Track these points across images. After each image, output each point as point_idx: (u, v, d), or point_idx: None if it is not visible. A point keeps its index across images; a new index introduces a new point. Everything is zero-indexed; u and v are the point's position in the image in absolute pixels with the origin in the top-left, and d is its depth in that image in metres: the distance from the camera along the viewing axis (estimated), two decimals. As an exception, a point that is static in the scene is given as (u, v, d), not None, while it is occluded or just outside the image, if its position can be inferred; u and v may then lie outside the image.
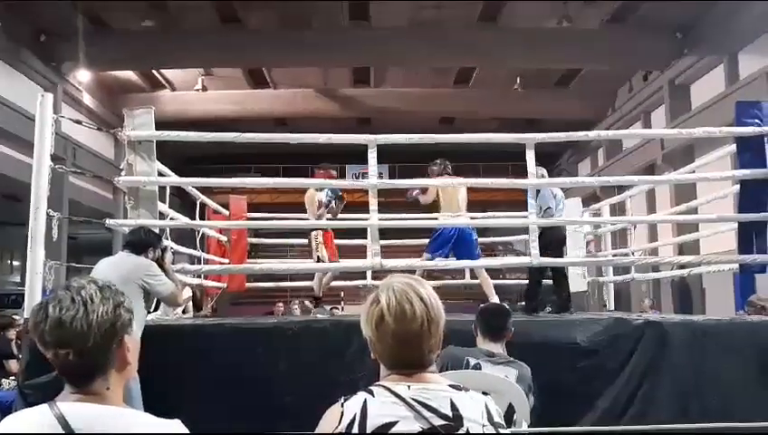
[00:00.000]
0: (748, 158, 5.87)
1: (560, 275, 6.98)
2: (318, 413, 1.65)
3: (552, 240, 6.46)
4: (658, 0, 14.68)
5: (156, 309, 5.03)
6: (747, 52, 15.14)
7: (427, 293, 1.65)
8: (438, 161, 6.67)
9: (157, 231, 4.96)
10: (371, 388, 1.61)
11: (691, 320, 5.71)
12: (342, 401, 1.60)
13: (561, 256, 6.87)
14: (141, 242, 4.50)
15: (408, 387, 1.58)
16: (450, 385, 1.62)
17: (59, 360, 1.40)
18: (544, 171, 6.70)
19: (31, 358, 4.28)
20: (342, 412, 1.57)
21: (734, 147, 6.23)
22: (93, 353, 1.41)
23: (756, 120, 5.82)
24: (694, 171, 8.71)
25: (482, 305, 3.86)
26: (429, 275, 11.58)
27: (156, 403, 3.69)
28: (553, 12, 16.33)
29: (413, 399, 1.56)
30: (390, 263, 5.89)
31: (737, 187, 6.28)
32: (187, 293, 8.19)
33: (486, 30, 17.43)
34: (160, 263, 4.53)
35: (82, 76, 18.42)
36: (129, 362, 1.49)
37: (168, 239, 6.42)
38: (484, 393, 2.86)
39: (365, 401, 1.57)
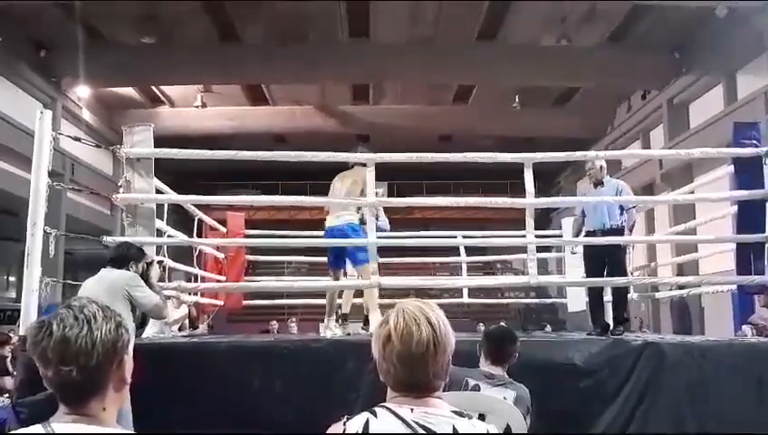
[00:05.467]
0: (746, 178, 5.87)
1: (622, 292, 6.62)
2: (314, 433, 1.64)
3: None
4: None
5: (142, 325, 5.02)
6: (745, 72, 15.22)
7: (437, 317, 1.65)
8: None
9: (139, 246, 4.95)
10: (375, 409, 1.61)
11: (689, 341, 5.69)
12: (345, 419, 1.61)
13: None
14: (122, 257, 4.55)
15: (412, 410, 1.58)
16: (453, 411, 1.61)
17: (60, 378, 1.38)
18: (603, 162, 6.49)
19: (25, 376, 4.25)
20: (345, 431, 1.58)
21: (732, 167, 6.24)
22: (95, 372, 1.39)
23: (754, 141, 5.84)
24: (693, 191, 8.72)
25: (489, 329, 3.83)
26: (427, 293, 11.59)
27: (150, 422, 3.68)
28: (552, 30, 16.44)
29: (415, 422, 1.55)
30: (388, 281, 5.88)
31: (735, 207, 6.28)
32: (184, 310, 8.16)
33: (485, 48, 17.53)
34: (144, 277, 4.55)
35: (82, 92, 18.48)
36: (127, 382, 1.48)
37: (165, 256, 6.41)
38: (482, 416, 2.87)
39: (367, 421, 1.57)
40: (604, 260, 6.25)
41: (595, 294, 6.61)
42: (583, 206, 6.71)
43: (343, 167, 6.24)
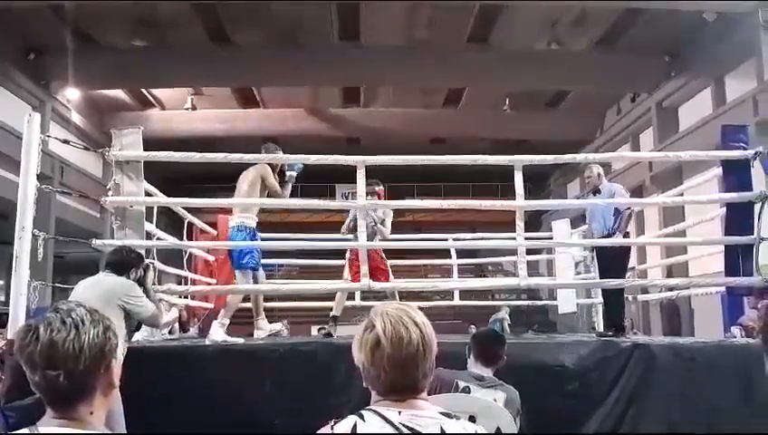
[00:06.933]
0: (734, 181, 5.90)
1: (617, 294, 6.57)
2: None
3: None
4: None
5: (137, 329, 4.97)
6: (734, 75, 15.32)
7: (421, 318, 1.65)
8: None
9: (140, 251, 4.90)
10: (362, 412, 1.60)
11: (678, 342, 5.72)
12: (332, 423, 1.60)
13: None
14: (122, 262, 4.42)
15: (399, 413, 1.57)
16: (441, 412, 1.61)
17: (47, 382, 1.38)
18: (600, 169, 6.49)
19: (14, 380, 4.21)
20: (332, 434, 1.57)
21: (720, 170, 6.26)
22: (83, 376, 1.39)
23: (741, 144, 5.86)
24: (682, 194, 8.75)
25: (478, 331, 3.87)
26: (418, 295, 11.58)
27: (141, 425, 3.67)
28: (543, 34, 16.49)
29: (403, 424, 1.55)
30: (379, 284, 5.88)
31: (724, 209, 6.31)
32: (174, 313, 8.13)
33: (476, 51, 17.57)
34: (142, 282, 4.49)
35: (71, 94, 18.41)
36: (114, 386, 1.48)
37: (155, 259, 6.38)
38: (472, 418, 2.87)
39: (355, 425, 1.56)
40: (606, 265, 6.30)
41: (606, 296, 6.64)
42: (587, 213, 6.81)
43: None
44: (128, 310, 4.15)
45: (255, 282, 6.21)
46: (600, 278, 6.36)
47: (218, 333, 5.76)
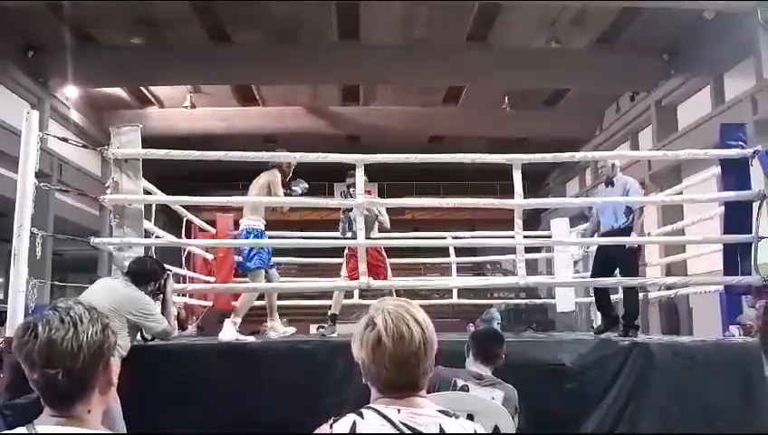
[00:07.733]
0: (732, 179, 5.89)
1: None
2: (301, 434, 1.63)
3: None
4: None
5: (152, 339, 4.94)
6: (732, 74, 15.34)
7: (422, 315, 1.65)
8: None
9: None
10: (361, 410, 1.60)
11: (677, 341, 5.71)
12: (331, 422, 1.60)
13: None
14: (144, 274, 4.40)
15: (399, 411, 1.57)
16: (440, 410, 1.61)
17: (45, 380, 1.38)
18: (616, 160, 6.41)
19: (12, 378, 4.21)
20: (331, 432, 1.57)
21: (719, 168, 6.26)
22: (81, 374, 1.39)
23: (740, 143, 5.86)
24: (681, 192, 8.76)
25: (476, 330, 3.88)
26: (417, 293, 11.59)
27: (140, 424, 3.67)
28: (542, 32, 16.50)
29: (402, 423, 1.55)
30: (378, 282, 5.88)
31: (723, 208, 6.30)
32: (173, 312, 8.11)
33: (476, 50, 17.58)
34: (162, 290, 4.47)
35: (70, 92, 18.41)
36: (113, 383, 1.48)
37: (153, 256, 6.37)
38: (470, 417, 2.87)
39: (354, 423, 1.56)
40: (611, 263, 6.21)
41: (598, 291, 6.53)
42: (597, 207, 6.69)
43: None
44: (137, 324, 4.13)
45: (269, 281, 6.25)
46: (599, 276, 6.28)
47: (230, 332, 5.78)
